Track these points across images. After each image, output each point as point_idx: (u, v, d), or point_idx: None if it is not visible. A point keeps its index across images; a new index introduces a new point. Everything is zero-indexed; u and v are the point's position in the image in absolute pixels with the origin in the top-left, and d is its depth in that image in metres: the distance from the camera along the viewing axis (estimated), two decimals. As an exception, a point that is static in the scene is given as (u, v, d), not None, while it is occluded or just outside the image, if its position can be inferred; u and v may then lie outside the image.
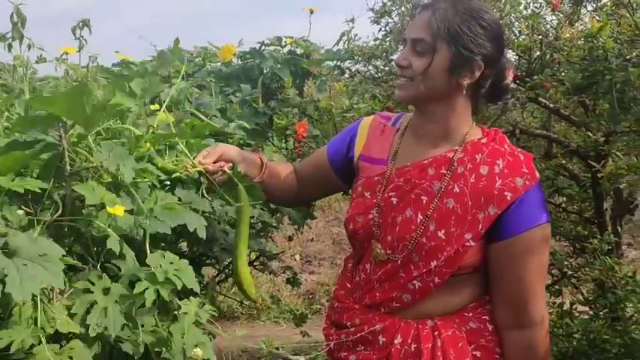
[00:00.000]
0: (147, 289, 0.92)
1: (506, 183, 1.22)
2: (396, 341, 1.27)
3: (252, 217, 1.98)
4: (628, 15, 1.59)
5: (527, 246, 1.21)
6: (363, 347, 1.32)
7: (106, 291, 0.93)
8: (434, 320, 1.27)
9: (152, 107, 1.93)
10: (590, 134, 1.87)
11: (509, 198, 1.20)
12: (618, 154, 1.43)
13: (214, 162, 1.31)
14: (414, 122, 1.35)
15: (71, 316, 0.88)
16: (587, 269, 1.94)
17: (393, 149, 1.35)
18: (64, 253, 0.84)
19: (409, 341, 1.26)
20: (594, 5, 2.08)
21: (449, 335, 1.25)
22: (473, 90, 1.26)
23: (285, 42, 2.57)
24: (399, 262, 1.27)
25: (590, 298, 2.08)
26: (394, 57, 2.36)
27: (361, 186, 1.36)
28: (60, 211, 0.95)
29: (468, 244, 1.22)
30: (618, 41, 1.53)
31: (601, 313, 2.00)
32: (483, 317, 1.29)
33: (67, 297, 0.92)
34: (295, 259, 5.01)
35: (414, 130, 1.34)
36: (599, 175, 1.44)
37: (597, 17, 1.53)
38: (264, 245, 2.16)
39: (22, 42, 1.58)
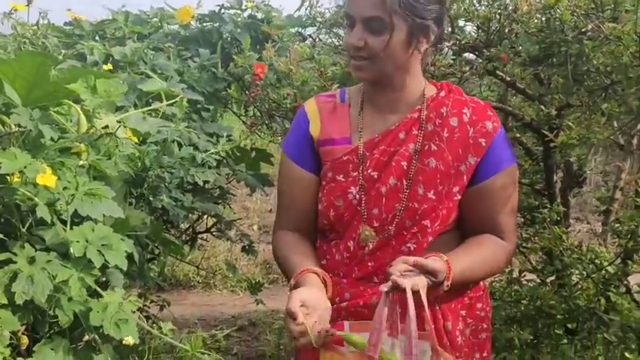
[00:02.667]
0: (70, 277, 0.88)
1: (477, 129, 1.25)
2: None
3: (207, 182, 1.95)
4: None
5: (497, 188, 1.26)
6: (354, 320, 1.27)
7: (31, 260, 0.89)
8: None
9: (105, 67, 1.87)
10: (544, 107, 1.91)
11: (484, 144, 1.24)
12: (571, 124, 1.47)
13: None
14: (369, 94, 1.32)
15: None
16: (536, 238, 2.01)
17: (355, 125, 1.31)
18: None
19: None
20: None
21: (442, 297, 1.24)
22: (425, 50, 1.27)
23: (246, 6, 2.52)
24: (392, 232, 1.26)
25: (539, 267, 2.16)
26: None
27: (330, 170, 1.30)
28: None
29: (456, 197, 1.25)
30: (575, 14, 1.56)
31: (548, 280, 2.08)
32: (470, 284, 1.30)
33: None
34: (253, 230, 4.99)
35: (372, 102, 1.31)
36: (551, 145, 1.48)
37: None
38: (221, 211, 2.14)
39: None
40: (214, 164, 1.83)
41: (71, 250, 0.88)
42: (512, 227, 1.33)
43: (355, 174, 1.28)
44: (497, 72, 1.96)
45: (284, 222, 1.38)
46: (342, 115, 1.33)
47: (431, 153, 1.25)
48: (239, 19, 2.52)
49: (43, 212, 0.88)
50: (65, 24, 2.52)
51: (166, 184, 1.68)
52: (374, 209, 1.26)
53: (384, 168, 1.26)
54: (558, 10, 1.52)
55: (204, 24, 2.54)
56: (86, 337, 0.94)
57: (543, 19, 1.60)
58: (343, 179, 1.29)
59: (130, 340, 0.91)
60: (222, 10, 2.53)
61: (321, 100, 1.36)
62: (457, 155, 1.24)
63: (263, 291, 2.92)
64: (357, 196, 1.27)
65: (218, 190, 2.22)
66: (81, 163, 0.99)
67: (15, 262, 0.87)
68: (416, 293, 1.11)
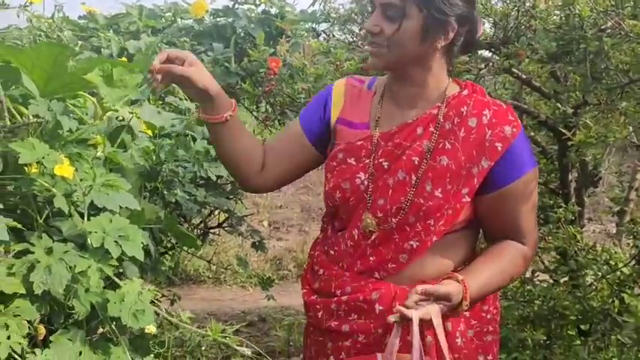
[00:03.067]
0: (89, 267, 0.88)
1: (495, 133, 1.22)
2: (395, 310, 1.22)
3: (220, 177, 1.95)
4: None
5: (518, 193, 1.24)
6: (357, 316, 1.28)
7: (49, 250, 0.89)
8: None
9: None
10: (560, 105, 1.89)
11: (500, 148, 1.21)
12: (589, 122, 1.45)
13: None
14: (391, 86, 1.31)
15: (12, 276, 0.84)
16: (549, 238, 1.99)
17: (374, 114, 1.31)
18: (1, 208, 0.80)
19: None
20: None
21: None
22: (447, 49, 1.24)
23: (260, 1, 2.51)
24: (394, 225, 1.25)
25: (551, 267, 2.14)
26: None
27: (342, 152, 1.30)
28: (0, 169, 0.90)
29: (464, 199, 1.23)
30: (594, 11, 1.53)
31: (561, 280, 2.06)
32: None
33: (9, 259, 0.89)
34: (263, 226, 5.00)
35: (392, 94, 1.31)
36: (570, 143, 1.46)
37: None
38: (233, 206, 2.13)
39: (-18, -16, 1.49)
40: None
41: (89, 240, 0.88)
42: (532, 231, 1.31)
43: (367, 161, 1.28)
44: (513, 69, 1.94)
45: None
46: (365, 101, 1.34)
47: (444, 151, 1.23)
48: (252, 15, 2.52)
49: (60, 203, 0.88)
50: (79, 17, 2.53)
51: (180, 178, 1.69)
52: (380, 199, 1.26)
53: (395, 160, 1.26)
54: (577, 7, 1.50)
55: (218, 19, 2.54)
56: (100, 330, 0.95)
57: (562, 15, 1.58)
58: (354, 163, 1.29)
59: (151, 328, 0.91)
60: (236, 5, 2.52)
61: (350, 83, 1.37)
62: (470, 156, 1.22)
63: (273, 287, 2.92)
64: (365, 183, 1.27)
65: (230, 185, 2.22)
66: (98, 154, 0.99)
67: (32, 253, 0.87)
68: (429, 321, 1.12)
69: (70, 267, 0.88)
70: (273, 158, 1.38)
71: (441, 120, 1.24)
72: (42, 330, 0.85)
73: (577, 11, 1.51)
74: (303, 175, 1.46)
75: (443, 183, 1.22)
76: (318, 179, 6.36)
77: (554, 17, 1.61)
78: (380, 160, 1.27)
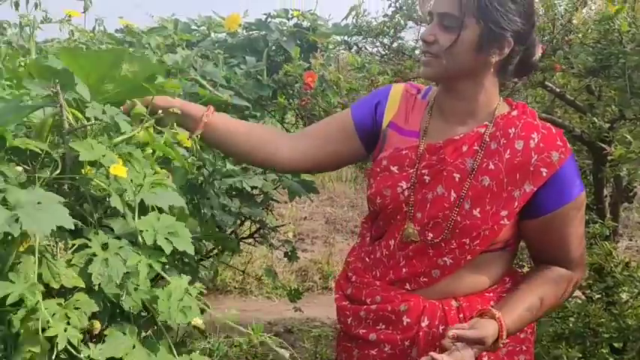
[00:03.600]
0: (139, 262, 0.91)
1: (542, 158, 1.19)
2: (423, 324, 1.24)
3: (254, 188, 1.97)
4: (642, 0, 1.59)
5: (564, 219, 1.22)
6: (384, 326, 1.29)
7: (104, 246, 0.92)
8: (458, 301, 1.26)
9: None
10: (596, 120, 1.87)
11: (544, 174, 1.19)
12: (628, 136, 1.43)
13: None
14: (440, 99, 1.30)
15: (70, 267, 0.88)
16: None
17: (423, 124, 1.31)
18: (63, 201, 0.83)
19: (436, 323, 1.24)
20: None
21: (474, 317, 1.23)
22: (501, 66, 1.22)
23: (292, 14, 2.54)
24: (429, 240, 1.24)
25: (584, 284, 2.11)
26: (403, 34, 2.35)
27: (387, 159, 1.30)
28: (59, 170, 0.94)
29: (503, 222, 1.21)
30: (633, 26, 1.53)
31: (596, 297, 2.02)
32: (503, 296, 1.28)
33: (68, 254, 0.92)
34: (288, 237, 5.01)
35: (441, 107, 1.29)
36: (609, 158, 1.45)
37: (614, 2, 1.52)
38: (265, 217, 2.15)
39: (29, 1, 1.55)
40: (260, 170, 1.86)
41: (140, 238, 0.92)
42: (580, 255, 1.29)
43: (411, 170, 1.27)
44: (547, 83, 1.94)
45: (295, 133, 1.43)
46: (418, 110, 1.33)
47: (487, 171, 1.21)
48: (284, 28, 2.55)
49: (116, 202, 0.92)
50: (116, 31, 2.58)
51: (215, 189, 1.71)
52: (417, 212, 1.26)
53: (436, 175, 1.25)
54: (617, 22, 1.50)
55: (251, 32, 2.57)
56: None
57: (600, 30, 1.57)
58: (397, 172, 1.28)
59: (198, 321, 0.92)
60: (269, 19, 2.55)
61: (408, 89, 1.37)
62: (514, 179, 1.20)
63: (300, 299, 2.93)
64: (406, 193, 1.27)
65: (262, 195, 2.24)
66: (148, 151, 1.03)
67: (90, 247, 0.91)
68: None
69: (125, 261, 0.91)
70: (310, 140, 1.37)
71: (487, 139, 1.23)
72: (97, 324, 0.88)
73: (616, 26, 1.50)
74: (337, 168, 1.47)
75: (482, 203, 1.21)
76: (342, 192, 6.37)
77: (592, 32, 1.60)
78: (422, 172, 1.26)
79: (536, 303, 1.24)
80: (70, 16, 2.25)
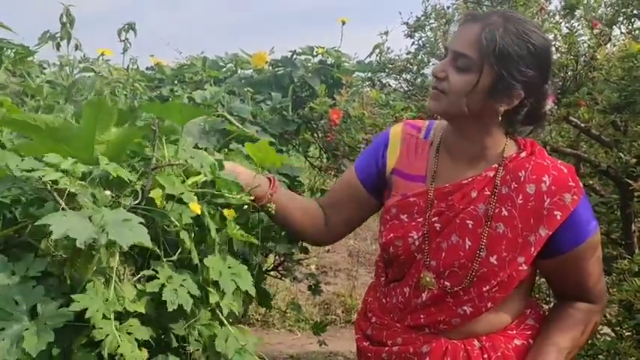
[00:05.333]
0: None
1: (554, 202, 1.17)
2: None
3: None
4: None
5: (581, 257, 1.22)
6: None
7: (169, 278, 0.96)
8: (481, 341, 1.24)
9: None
10: (622, 155, 1.86)
11: (559, 217, 1.17)
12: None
13: None
14: (447, 138, 1.29)
15: (140, 296, 0.92)
16: (614, 290, 1.93)
17: (430, 168, 1.29)
18: (143, 222, 0.89)
19: None
20: (628, 27, 2.09)
21: (498, 356, 1.23)
22: (508, 115, 1.21)
23: (317, 51, 2.60)
24: (447, 289, 1.23)
25: (614, 321, 2.06)
26: (426, 71, 2.39)
27: (396, 207, 1.29)
28: (139, 199, 1.00)
29: (521, 267, 1.19)
30: (656, 63, 1.54)
31: (627, 334, 1.98)
32: (527, 333, 1.27)
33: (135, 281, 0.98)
34: (310, 269, 5.00)
35: (448, 147, 1.29)
36: (637, 194, 1.44)
37: (638, 39, 1.53)
38: (290, 250, 2.17)
39: (70, 42, 1.63)
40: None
41: (206, 274, 0.97)
42: (600, 288, 1.29)
43: (420, 219, 1.26)
44: (571, 118, 1.94)
45: (319, 199, 1.48)
46: (421, 152, 1.31)
47: (501, 217, 1.20)
48: (309, 64, 2.61)
49: (185, 238, 0.97)
50: (147, 69, 2.68)
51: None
52: (432, 261, 1.24)
53: (448, 223, 1.23)
54: (641, 59, 1.51)
55: (277, 69, 2.64)
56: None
57: (625, 66, 1.58)
58: (407, 220, 1.27)
59: None
60: (294, 56, 2.62)
61: (407, 131, 1.35)
62: (528, 225, 1.18)
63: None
64: (417, 243, 1.25)
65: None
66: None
67: (158, 279, 0.97)
68: None
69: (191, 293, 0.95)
70: (332, 210, 1.42)
71: (498, 184, 1.21)
72: (145, 352, 0.91)
73: (639, 63, 1.51)
74: (367, 219, 1.48)
75: (498, 250, 1.19)
76: (365, 225, 6.33)
77: (616, 68, 1.62)
78: (433, 220, 1.24)
79: (566, 347, 1.24)
80: (103, 54, 2.35)
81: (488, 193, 1.21)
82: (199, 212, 0.98)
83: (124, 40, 1.90)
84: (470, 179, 1.23)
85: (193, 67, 2.60)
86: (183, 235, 0.97)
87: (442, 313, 1.24)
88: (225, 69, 2.68)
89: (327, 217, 1.42)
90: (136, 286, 0.93)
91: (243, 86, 2.45)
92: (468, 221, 1.21)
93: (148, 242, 0.85)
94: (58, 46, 1.61)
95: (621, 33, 2.09)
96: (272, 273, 2.73)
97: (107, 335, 0.85)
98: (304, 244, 2.05)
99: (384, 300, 1.35)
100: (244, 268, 1.01)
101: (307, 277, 2.39)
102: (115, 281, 0.91)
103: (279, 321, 4.13)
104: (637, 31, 2.01)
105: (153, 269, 0.97)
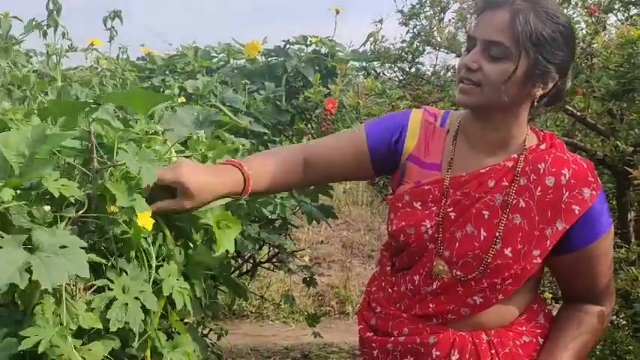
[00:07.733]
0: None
1: (573, 195, 1.15)
2: (453, 357, 1.21)
3: (273, 213, 1.97)
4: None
5: (594, 253, 1.20)
6: (412, 359, 1.25)
7: (125, 290, 0.93)
8: (488, 335, 1.22)
9: (179, 100, 1.93)
10: (619, 143, 1.85)
11: (577, 212, 1.15)
12: (655, 160, 1.42)
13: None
14: (467, 127, 1.25)
15: (91, 311, 0.88)
16: (610, 279, 1.93)
17: (446, 155, 1.26)
18: (86, 246, 0.84)
19: (467, 356, 1.21)
20: (625, 14, 2.07)
21: (506, 353, 1.21)
22: (539, 99, 1.19)
23: (311, 41, 2.57)
24: (459, 277, 1.21)
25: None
26: (421, 60, 2.36)
27: (408, 195, 1.25)
28: (85, 208, 0.94)
29: (535, 260, 1.17)
30: (655, 49, 1.52)
31: (623, 323, 1.98)
32: (537, 331, 1.25)
33: (89, 294, 0.93)
34: (304, 261, 4.99)
35: (468, 135, 1.25)
36: (635, 182, 1.43)
37: (636, 26, 1.51)
38: (283, 242, 2.15)
39: (57, 30, 1.59)
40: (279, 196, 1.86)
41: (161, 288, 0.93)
42: (610, 289, 1.27)
43: (434, 208, 1.23)
44: (567, 107, 1.93)
45: (307, 146, 1.35)
46: (438, 140, 1.28)
47: (518, 209, 1.17)
48: (303, 54, 2.58)
49: (132, 248, 0.94)
50: (138, 59, 2.63)
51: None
52: (445, 250, 1.22)
53: (464, 212, 1.21)
54: (640, 46, 1.49)
55: (270, 58, 2.60)
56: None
57: (624, 53, 1.56)
58: (420, 208, 1.24)
59: None
60: (287, 45, 2.58)
61: (426, 118, 1.31)
62: (545, 217, 1.16)
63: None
64: (430, 232, 1.22)
65: (280, 220, 2.24)
66: None
67: (111, 290, 0.91)
68: None
69: (143, 307, 0.91)
70: (321, 163, 1.31)
71: (518, 175, 1.18)
72: None
73: (639, 49, 1.50)
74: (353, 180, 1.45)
75: (514, 242, 1.17)
76: (358, 215, 6.35)
77: (616, 56, 1.60)
78: (448, 210, 1.22)
79: (577, 353, 1.22)
80: (93, 44, 2.30)
81: (506, 183, 1.19)
82: (149, 228, 0.91)
83: (109, 29, 1.85)
84: (488, 168, 1.21)
85: (185, 57, 2.55)
86: (131, 245, 0.93)
87: (452, 302, 1.22)
88: (217, 59, 2.64)
89: (309, 166, 1.31)
90: (86, 303, 0.89)
91: (235, 76, 2.42)
92: (484, 211, 1.19)
93: (85, 273, 0.79)
94: (45, 34, 1.57)
95: (617, 20, 2.08)
96: (266, 265, 2.71)
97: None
98: (292, 236, 2.03)
99: (389, 289, 1.32)
100: (198, 274, 0.98)
101: (301, 269, 2.37)
102: (66, 298, 0.86)
103: (273, 313, 4.12)
104: (634, 18, 1.99)
105: (107, 278, 0.92)
